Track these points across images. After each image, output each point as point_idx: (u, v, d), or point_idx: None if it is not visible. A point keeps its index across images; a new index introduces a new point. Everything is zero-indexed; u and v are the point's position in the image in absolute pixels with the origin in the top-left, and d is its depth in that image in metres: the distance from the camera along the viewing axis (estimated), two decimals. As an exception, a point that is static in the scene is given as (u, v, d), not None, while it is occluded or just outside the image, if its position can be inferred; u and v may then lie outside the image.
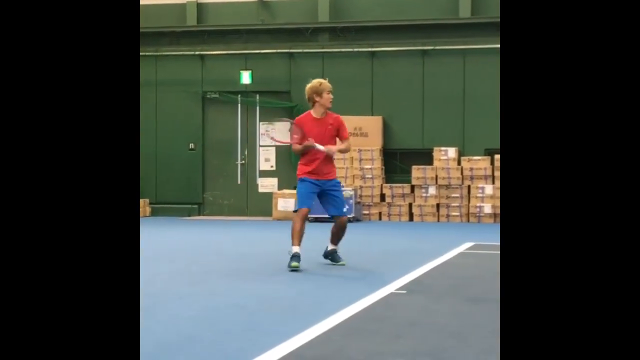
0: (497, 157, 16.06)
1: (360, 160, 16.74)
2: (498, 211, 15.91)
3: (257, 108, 17.86)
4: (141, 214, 16.84)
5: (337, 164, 9.07)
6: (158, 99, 18.00)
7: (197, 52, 17.93)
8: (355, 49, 17.21)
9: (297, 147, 8.46)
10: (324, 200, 8.50)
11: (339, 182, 8.77)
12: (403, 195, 16.57)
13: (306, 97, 8.57)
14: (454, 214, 16.25)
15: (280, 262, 8.53)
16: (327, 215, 8.87)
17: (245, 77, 17.69)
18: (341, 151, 8.70)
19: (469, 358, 4.40)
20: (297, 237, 8.22)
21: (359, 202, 16.32)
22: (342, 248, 8.79)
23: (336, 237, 8.59)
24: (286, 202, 16.38)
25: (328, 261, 8.66)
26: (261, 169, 17.83)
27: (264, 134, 17.83)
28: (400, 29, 17.05)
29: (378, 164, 16.74)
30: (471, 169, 16.32)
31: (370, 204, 16.64)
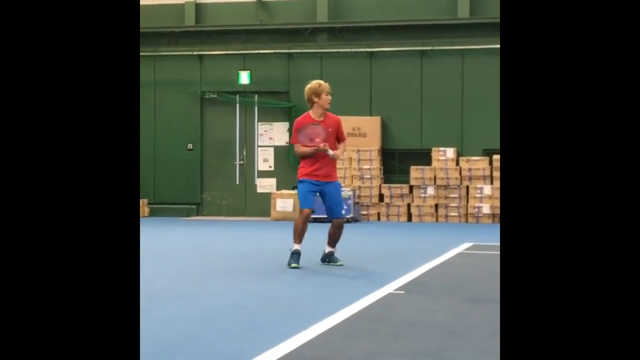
0: (496, 157, 16.07)
1: (359, 160, 16.75)
2: (496, 211, 15.93)
3: (256, 108, 17.86)
4: (140, 214, 16.84)
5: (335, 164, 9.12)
6: (156, 99, 17.99)
7: (195, 53, 17.93)
8: (354, 49, 17.21)
9: (305, 149, 8.46)
10: (324, 201, 8.57)
11: (340, 184, 8.83)
12: (401, 196, 16.58)
13: (305, 97, 8.64)
14: (452, 214, 16.26)
15: (280, 262, 8.54)
16: (324, 216, 8.91)
17: (244, 78, 17.69)
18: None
19: (468, 358, 4.41)
20: (299, 236, 8.37)
21: (357, 203, 16.32)
22: (341, 248, 8.80)
23: (333, 239, 8.62)
24: (284, 203, 16.39)
25: (326, 263, 8.69)
26: (260, 169, 17.83)
27: (262, 134, 17.83)
28: (398, 30, 17.06)
29: (376, 164, 16.75)
30: (469, 170, 16.33)
31: (369, 204, 16.64)
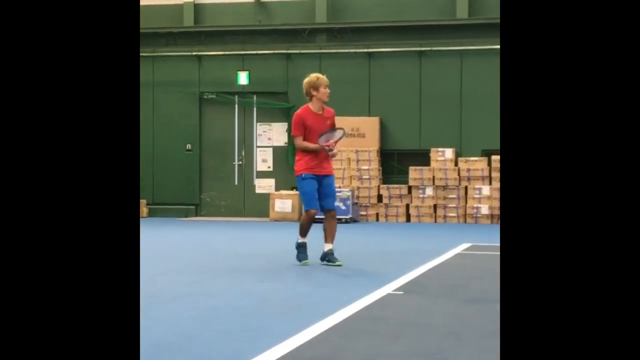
0: (494, 158, 16.08)
1: (358, 161, 16.76)
2: (495, 212, 15.94)
3: (254, 109, 17.87)
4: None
5: (333, 164, 9.29)
6: (155, 99, 18.00)
7: (194, 53, 17.94)
8: (353, 50, 17.23)
9: (310, 145, 8.56)
10: (318, 191, 8.65)
11: (333, 177, 8.98)
12: (400, 196, 16.59)
13: (304, 91, 8.75)
14: (451, 214, 16.27)
15: (279, 262, 8.55)
16: (321, 216, 8.91)
17: (243, 78, 17.70)
18: None
19: (467, 358, 4.42)
20: (304, 232, 8.65)
21: (356, 203, 16.33)
22: (340, 248, 8.81)
23: (330, 234, 8.65)
24: (283, 203, 16.39)
25: (325, 263, 8.70)
26: (258, 169, 17.84)
27: (261, 135, 17.84)
28: (397, 30, 17.07)
29: (375, 164, 16.76)
30: (468, 170, 16.34)
31: (368, 204, 16.65)
